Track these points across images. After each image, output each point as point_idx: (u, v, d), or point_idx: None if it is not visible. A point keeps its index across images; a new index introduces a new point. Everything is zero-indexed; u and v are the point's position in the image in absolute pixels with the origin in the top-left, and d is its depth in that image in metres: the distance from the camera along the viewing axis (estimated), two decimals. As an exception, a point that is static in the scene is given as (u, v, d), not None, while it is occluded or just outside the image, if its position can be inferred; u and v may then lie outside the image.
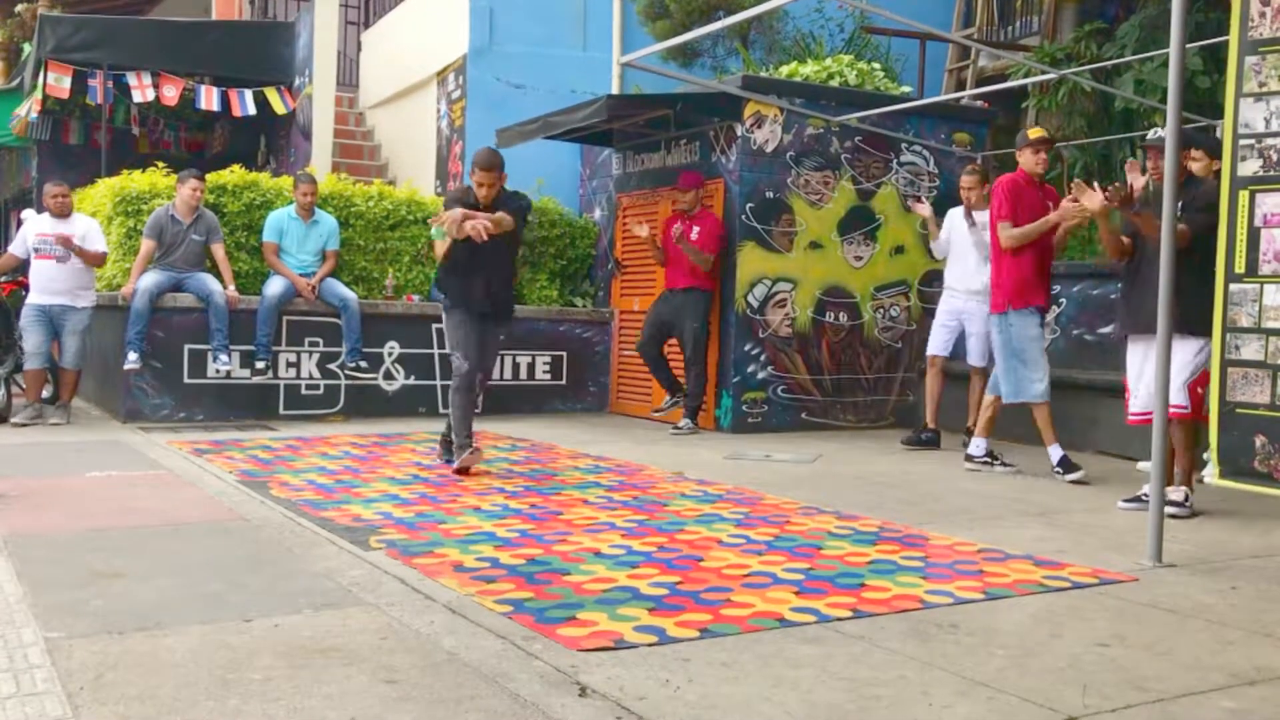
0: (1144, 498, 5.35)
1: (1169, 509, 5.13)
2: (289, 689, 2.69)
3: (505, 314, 6.27)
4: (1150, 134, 5.73)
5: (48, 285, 7.90)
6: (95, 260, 8.03)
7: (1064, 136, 9.77)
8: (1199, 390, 5.22)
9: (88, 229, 8.04)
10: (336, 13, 12.97)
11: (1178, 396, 5.23)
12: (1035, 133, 6.69)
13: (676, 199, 8.36)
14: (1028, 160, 6.53)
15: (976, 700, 2.72)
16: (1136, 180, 5.95)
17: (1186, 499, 5.30)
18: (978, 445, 6.67)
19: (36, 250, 7.95)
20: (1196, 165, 5.47)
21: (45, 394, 8.09)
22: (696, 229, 8.17)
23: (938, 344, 7.66)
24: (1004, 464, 6.63)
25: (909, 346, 8.97)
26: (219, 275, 8.21)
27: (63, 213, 8.02)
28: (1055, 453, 6.34)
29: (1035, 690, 2.79)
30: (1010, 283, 6.42)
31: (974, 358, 7.54)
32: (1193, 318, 4.97)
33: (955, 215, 7.73)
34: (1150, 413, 5.32)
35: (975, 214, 7.40)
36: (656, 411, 8.45)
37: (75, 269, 7.92)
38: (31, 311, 7.91)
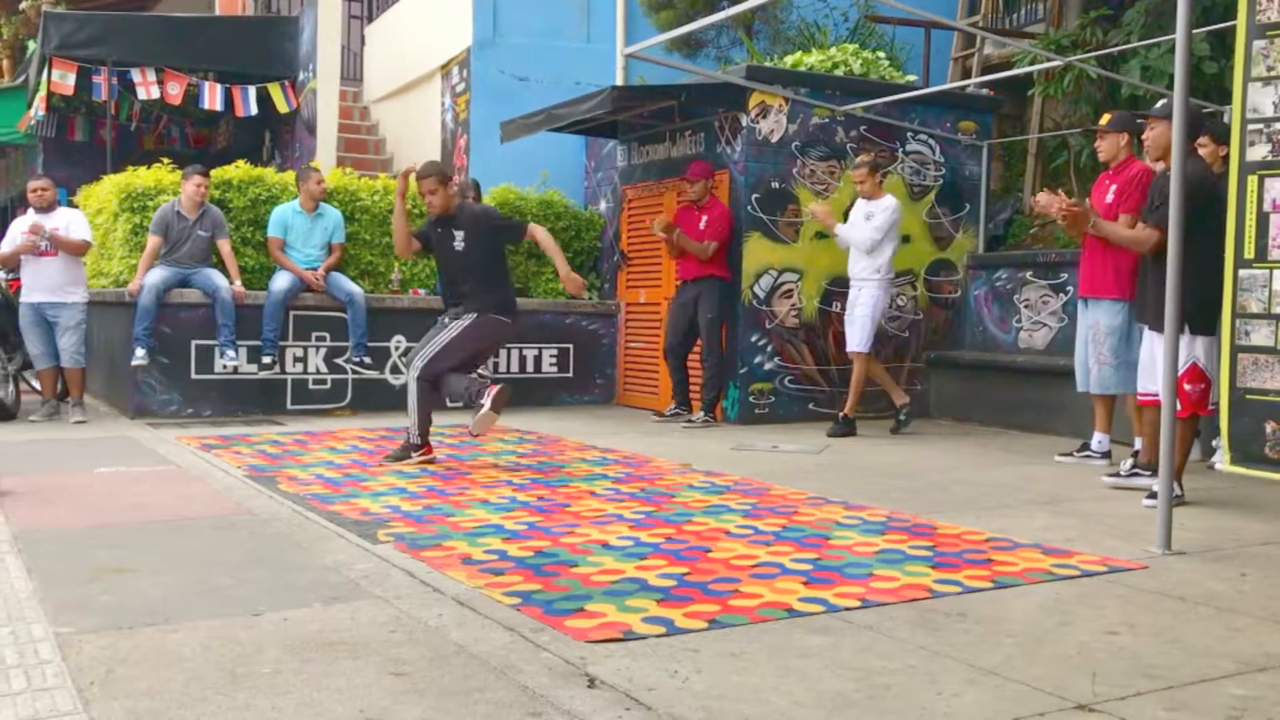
0: (1123, 474, 5.74)
1: (1143, 494, 5.16)
2: (298, 682, 2.69)
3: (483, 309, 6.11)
4: (1158, 105, 5.70)
5: (36, 282, 7.89)
6: (76, 249, 7.95)
7: (1070, 124, 9.74)
8: (1185, 386, 5.06)
9: (70, 220, 8.02)
10: (340, 7, 12.96)
11: (1153, 385, 5.18)
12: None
13: (684, 189, 8.37)
14: None
15: (985, 689, 2.72)
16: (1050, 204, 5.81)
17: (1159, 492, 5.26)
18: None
19: None
20: (1203, 152, 5.43)
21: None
22: (705, 218, 8.16)
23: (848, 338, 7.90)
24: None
25: (915, 336, 8.95)
26: (225, 271, 8.23)
27: (45, 206, 7.99)
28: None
29: (1044, 678, 2.79)
30: None
31: (850, 341, 7.78)
32: (1193, 313, 4.91)
33: (854, 205, 7.91)
34: (1152, 395, 5.31)
35: (869, 204, 7.71)
36: (660, 417, 8.43)
37: (63, 264, 7.89)
38: (26, 312, 7.90)
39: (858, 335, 7.70)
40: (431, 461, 6.10)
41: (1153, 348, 5.25)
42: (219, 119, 15.27)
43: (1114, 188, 6.15)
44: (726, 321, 8.28)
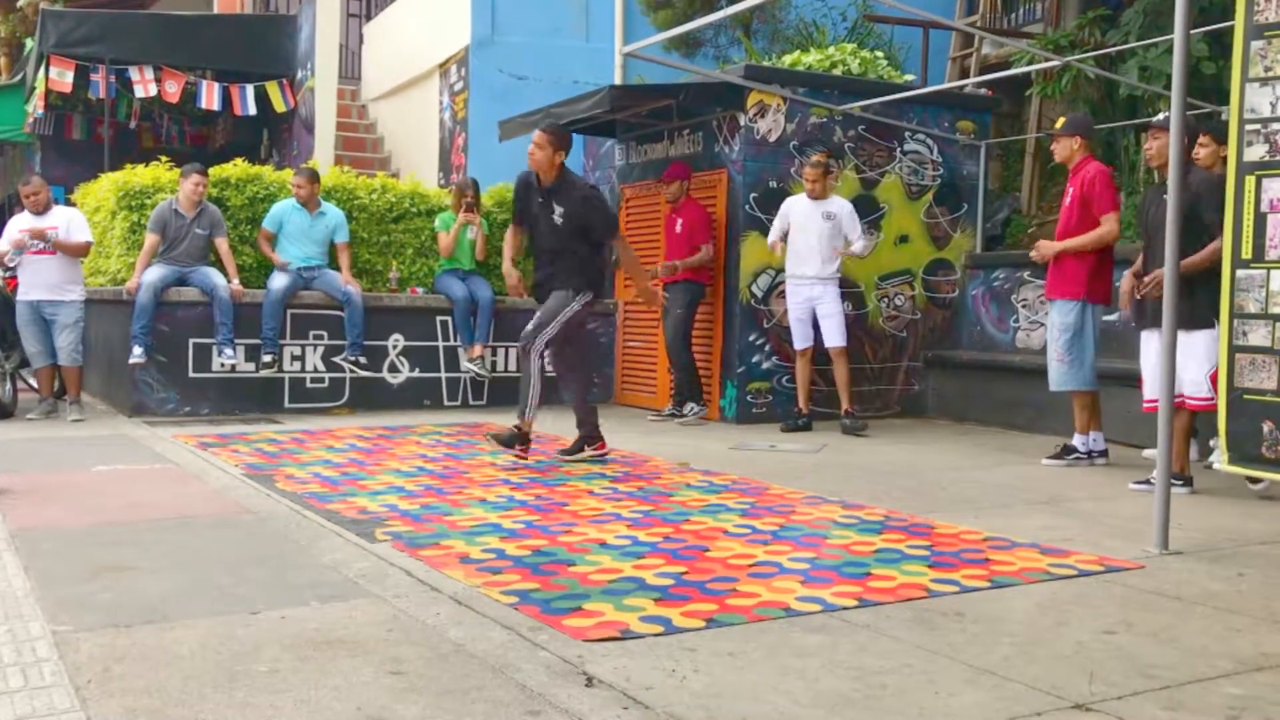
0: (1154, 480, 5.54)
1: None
2: (296, 681, 2.69)
3: (554, 287, 6.24)
4: (1159, 117, 5.74)
5: (34, 280, 7.87)
6: (78, 251, 7.96)
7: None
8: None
9: (70, 220, 8.00)
10: (338, 5, 12.97)
11: (1203, 389, 5.25)
12: None
13: (661, 191, 8.42)
14: None
15: (983, 688, 2.72)
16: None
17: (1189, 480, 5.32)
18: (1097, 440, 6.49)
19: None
20: (1204, 152, 5.44)
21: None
22: (680, 221, 8.21)
23: (800, 336, 7.92)
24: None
25: (914, 335, 8.95)
26: (223, 269, 8.22)
27: (39, 210, 7.97)
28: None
29: (1042, 678, 2.79)
30: None
31: (833, 339, 7.81)
32: (1204, 310, 4.96)
33: (795, 203, 7.89)
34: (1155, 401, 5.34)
35: (822, 203, 7.75)
36: (658, 415, 8.44)
37: (61, 263, 7.87)
38: (22, 310, 7.88)
39: (836, 332, 7.79)
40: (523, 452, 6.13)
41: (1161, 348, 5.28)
42: (217, 117, 15.27)
43: (1071, 190, 6.25)
44: (694, 322, 8.29)
